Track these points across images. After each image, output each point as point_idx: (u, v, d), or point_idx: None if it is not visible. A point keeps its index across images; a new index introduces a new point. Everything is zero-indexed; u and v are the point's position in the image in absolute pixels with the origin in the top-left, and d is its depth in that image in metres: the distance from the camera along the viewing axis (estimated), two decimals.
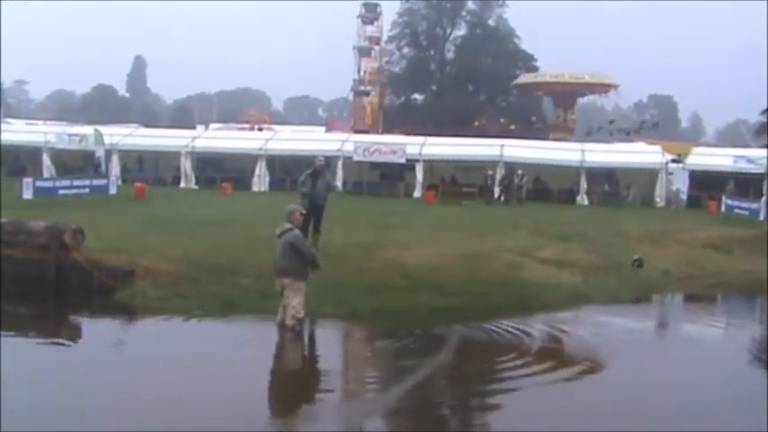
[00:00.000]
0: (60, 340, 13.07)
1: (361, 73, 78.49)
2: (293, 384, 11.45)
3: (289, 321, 12.87)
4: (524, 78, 79.00)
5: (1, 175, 39.10)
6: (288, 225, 13.04)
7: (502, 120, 76.37)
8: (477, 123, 75.97)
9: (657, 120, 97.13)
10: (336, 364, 12.63)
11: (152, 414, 9.51)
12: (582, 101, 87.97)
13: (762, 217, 32.47)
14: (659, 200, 40.79)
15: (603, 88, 79.31)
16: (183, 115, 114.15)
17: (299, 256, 12.83)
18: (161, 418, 9.35)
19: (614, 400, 10.71)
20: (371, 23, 78.71)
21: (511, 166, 41.13)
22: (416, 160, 42.43)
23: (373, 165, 44.28)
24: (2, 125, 48.94)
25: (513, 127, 75.03)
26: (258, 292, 15.03)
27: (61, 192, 31.99)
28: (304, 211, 13.42)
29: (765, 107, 35.49)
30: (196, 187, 42.99)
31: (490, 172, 41.10)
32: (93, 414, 9.44)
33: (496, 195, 40.26)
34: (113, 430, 9.06)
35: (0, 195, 23.57)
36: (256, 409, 9.83)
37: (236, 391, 10.38)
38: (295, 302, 12.85)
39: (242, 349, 12.42)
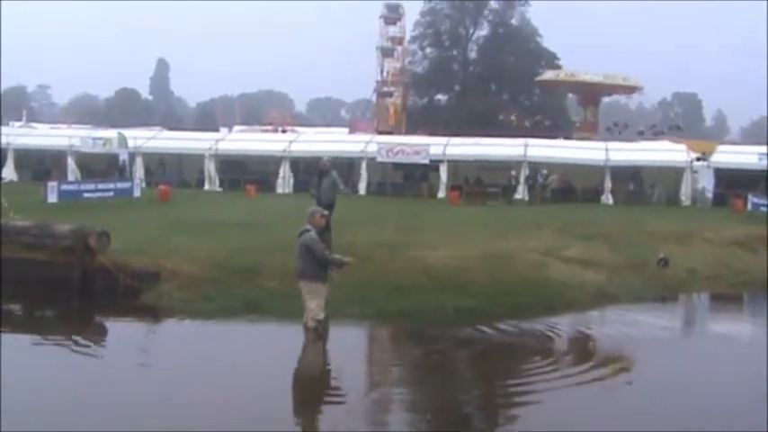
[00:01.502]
0: (85, 342, 13.09)
1: (384, 74, 78.46)
2: (311, 390, 11.45)
3: (309, 324, 12.90)
4: (549, 75, 78.60)
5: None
6: (307, 227, 13.06)
7: (526, 122, 75.98)
8: (501, 117, 75.65)
9: (681, 118, 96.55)
10: (356, 370, 12.34)
11: (170, 416, 9.59)
12: (606, 100, 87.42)
13: None
14: (684, 198, 40.52)
15: (629, 90, 78.83)
16: (206, 118, 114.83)
17: (313, 258, 12.81)
18: (178, 420, 9.43)
19: (648, 402, 10.63)
20: (394, 24, 78.62)
21: (535, 166, 41.05)
22: (440, 161, 42.39)
23: (397, 166, 44.27)
24: (21, 128, 49.19)
25: (533, 122, 74.73)
26: (282, 293, 15.07)
27: (86, 195, 32.25)
28: (325, 213, 13.40)
29: None
30: (220, 189, 43.16)
31: (513, 172, 41.04)
32: (111, 414, 9.53)
33: (520, 195, 40.17)
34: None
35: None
36: (272, 413, 9.86)
37: (250, 394, 10.45)
38: (312, 305, 12.85)
39: (264, 352, 12.52)
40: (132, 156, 42.54)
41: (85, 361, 11.99)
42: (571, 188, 43.70)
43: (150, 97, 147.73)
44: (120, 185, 34.96)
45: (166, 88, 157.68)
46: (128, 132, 44.93)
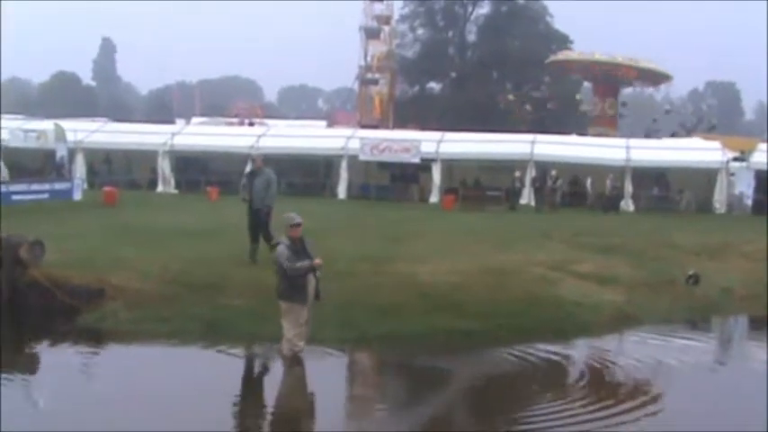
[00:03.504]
0: (13, 372, 12.92)
1: (369, 58, 78.39)
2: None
3: (285, 353, 12.96)
4: (562, 56, 78.60)
5: None
6: (281, 239, 13.08)
7: (533, 115, 76.18)
8: (503, 109, 75.73)
9: (716, 112, 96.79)
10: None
11: None
12: (627, 91, 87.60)
13: None
14: (719, 205, 40.67)
15: (655, 79, 78.90)
16: (160, 108, 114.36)
17: (285, 276, 12.82)
18: None
19: None
20: (380, 0, 78.71)
21: (543, 166, 41.19)
22: (433, 159, 42.48)
23: (383, 165, 44.35)
24: None
25: (541, 114, 74.93)
26: (249, 312, 15.07)
27: (16, 198, 32.00)
28: (296, 221, 13.12)
29: None
30: (176, 192, 43.11)
31: (518, 173, 41.15)
32: None
33: (526, 200, 40.32)
34: None
35: None
36: None
37: None
38: (290, 335, 12.91)
39: (226, 383, 12.48)
40: (72, 152, 42.47)
41: (9, 393, 11.90)
42: (585, 192, 43.86)
43: (93, 83, 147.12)
44: (57, 186, 34.83)
45: (112, 73, 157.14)
46: (66, 124, 44.77)
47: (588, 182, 42.36)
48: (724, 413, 12.03)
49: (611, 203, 40.02)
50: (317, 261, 12.93)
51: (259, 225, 18.88)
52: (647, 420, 11.40)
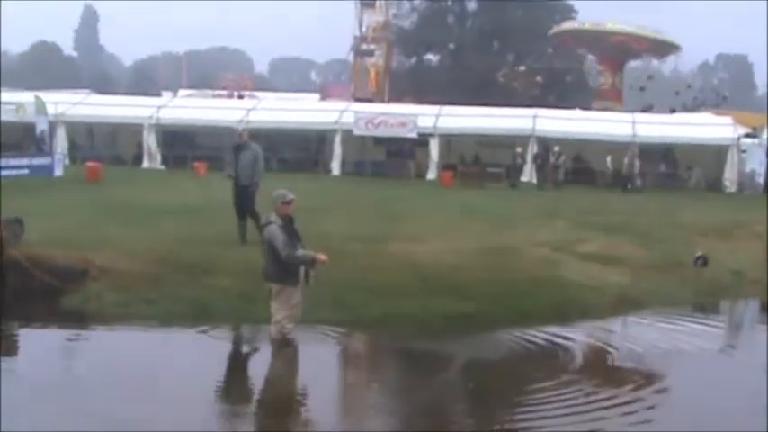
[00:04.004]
0: None
1: (364, 28, 78.16)
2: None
3: (274, 335, 12.95)
4: (566, 26, 78.39)
5: None
6: (271, 217, 12.95)
7: (535, 88, 76.12)
8: (504, 82, 75.56)
9: (727, 85, 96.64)
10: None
11: None
12: (633, 64, 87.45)
13: None
14: (729, 184, 40.72)
15: (663, 49, 78.74)
16: (146, 80, 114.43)
17: (277, 256, 12.71)
18: None
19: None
20: None
21: (545, 142, 41.18)
22: (430, 135, 42.47)
23: (378, 140, 44.34)
24: None
25: (543, 86, 74.74)
26: (239, 294, 15.08)
27: None
28: (289, 198, 13.05)
29: None
30: (162, 167, 43.10)
31: (519, 149, 41.12)
32: None
33: (527, 177, 40.33)
34: None
35: None
36: None
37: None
38: (279, 316, 12.85)
39: (213, 366, 12.50)
40: (53, 125, 42.36)
41: None
42: (590, 170, 43.89)
43: (75, 53, 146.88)
44: (37, 162, 34.81)
45: (95, 43, 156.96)
46: (47, 96, 44.69)
47: (608, 159, 42.21)
48: (728, 401, 12.04)
49: (630, 181, 39.94)
50: (322, 257, 12.80)
51: (246, 202, 18.85)
52: (649, 406, 11.41)
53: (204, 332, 14.08)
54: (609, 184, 41.11)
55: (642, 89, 76.47)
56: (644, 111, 61.38)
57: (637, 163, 40.44)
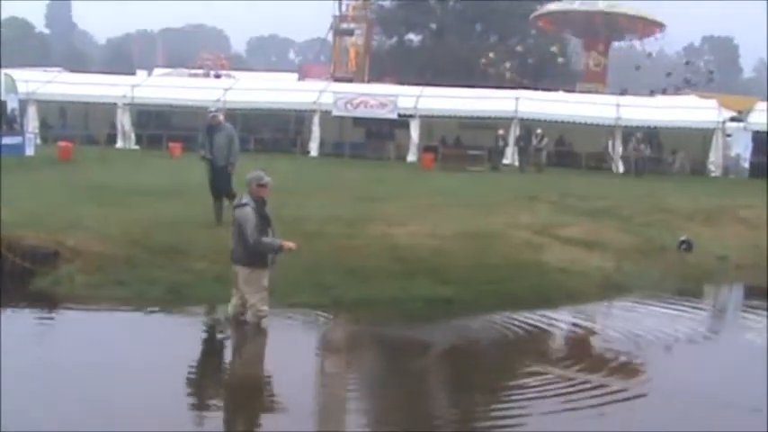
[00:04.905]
0: None
1: (343, 7, 77.90)
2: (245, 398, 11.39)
3: (251, 319, 12.93)
4: (551, 7, 78.33)
5: None
6: (244, 199, 12.91)
7: (517, 71, 75.98)
8: (484, 62, 75.47)
9: (714, 68, 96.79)
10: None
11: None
12: (618, 45, 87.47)
13: None
14: (714, 168, 40.93)
15: (647, 27, 78.70)
16: (120, 58, 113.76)
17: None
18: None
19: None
20: None
21: (528, 124, 41.22)
22: (411, 116, 42.51)
23: (358, 121, 44.41)
24: None
25: (524, 68, 74.75)
26: (214, 277, 15.00)
27: None
28: (264, 180, 13.00)
29: None
30: (136, 148, 43.03)
31: (501, 131, 41.14)
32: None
33: (509, 160, 40.40)
34: None
35: None
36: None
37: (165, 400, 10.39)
38: (254, 300, 12.84)
39: (185, 349, 12.45)
40: (24, 104, 42.08)
41: None
42: (573, 153, 44.04)
43: (47, 30, 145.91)
44: (7, 141, 34.56)
45: (68, 19, 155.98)
46: (17, 74, 44.24)
47: (610, 144, 42.23)
48: (714, 387, 12.08)
49: (641, 166, 39.93)
50: (290, 245, 12.75)
51: (223, 183, 18.78)
52: (632, 392, 11.43)
53: (171, 314, 14.12)
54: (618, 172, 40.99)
55: (638, 68, 76.57)
56: (621, 94, 61.44)
57: (643, 147, 40.49)
